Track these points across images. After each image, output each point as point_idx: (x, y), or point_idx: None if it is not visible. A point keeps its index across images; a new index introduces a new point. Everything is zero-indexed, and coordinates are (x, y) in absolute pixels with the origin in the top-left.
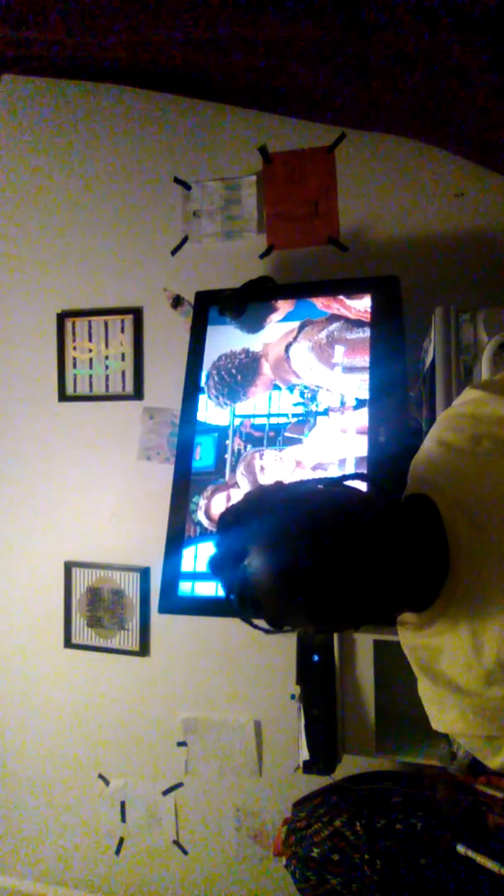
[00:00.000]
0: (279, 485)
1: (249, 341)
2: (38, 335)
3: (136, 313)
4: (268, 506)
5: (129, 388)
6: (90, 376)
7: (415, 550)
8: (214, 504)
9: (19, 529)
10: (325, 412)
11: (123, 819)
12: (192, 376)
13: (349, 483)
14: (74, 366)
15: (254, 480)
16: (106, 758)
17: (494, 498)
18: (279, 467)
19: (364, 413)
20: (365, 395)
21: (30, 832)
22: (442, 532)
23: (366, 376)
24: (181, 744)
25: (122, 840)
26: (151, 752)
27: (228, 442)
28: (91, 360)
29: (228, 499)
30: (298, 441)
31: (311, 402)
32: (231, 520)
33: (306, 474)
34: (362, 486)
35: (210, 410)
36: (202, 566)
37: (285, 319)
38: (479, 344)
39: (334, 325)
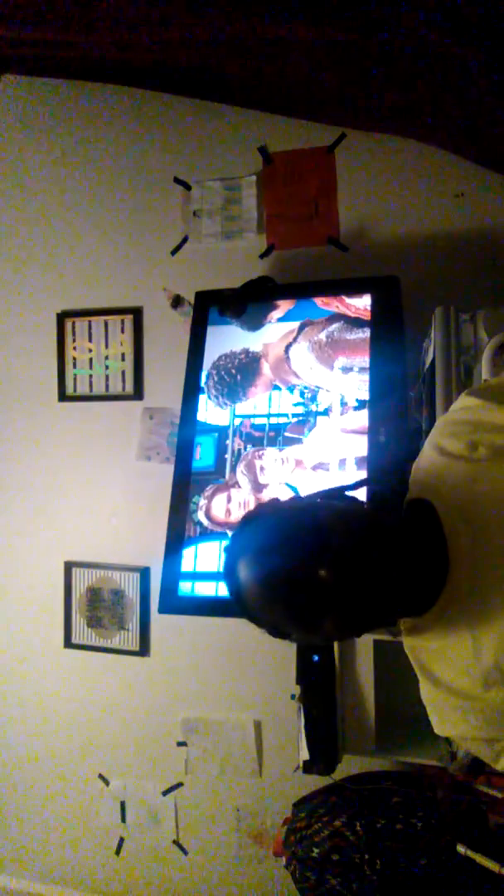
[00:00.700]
0: (278, 501)
1: (249, 341)
2: (38, 335)
3: (136, 313)
4: (263, 521)
5: (129, 388)
6: (90, 376)
7: (414, 559)
8: (214, 504)
9: (19, 529)
10: (326, 412)
11: (123, 819)
12: (192, 376)
13: (351, 493)
14: (74, 366)
15: (254, 480)
16: (106, 758)
17: (491, 503)
18: (279, 467)
19: (364, 413)
20: (365, 395)
21: (30, 832)
22: (441, 537)
23: (366, 376)
24: (181, 744)
25: (122, 840)
26: (151, 752)
27: (228, 442)
28: (91, 360)
29: (229, 499)
30: (298, 441)
31: (311, 402)
32: (234, 540)
33: (306, 474)
34: (362, 492)
35: (210, 410)
36: (202, 566)
37: (285, 317)
38: (479, 344)
39: (334, 326)
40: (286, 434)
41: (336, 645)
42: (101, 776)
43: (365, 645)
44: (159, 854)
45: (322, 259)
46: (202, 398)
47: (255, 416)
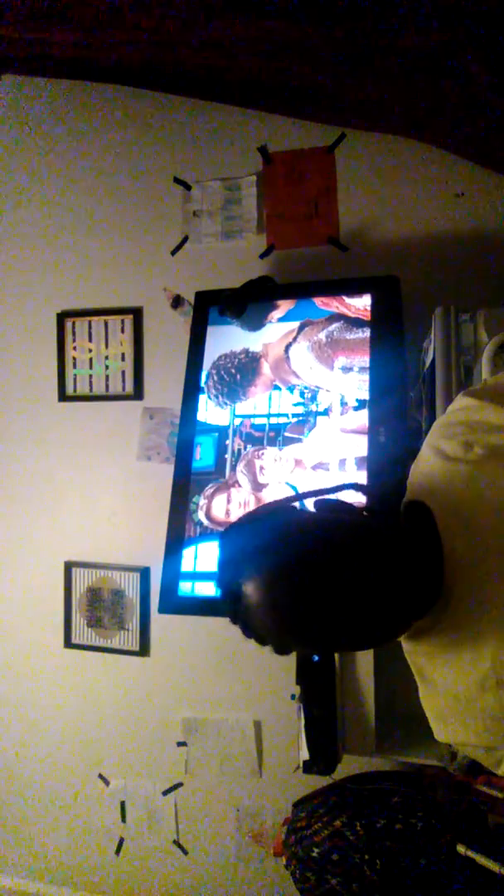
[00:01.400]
0: (271, 513)
1: (249, 341)
2: (38, 335)
3: (136, 313)
4: (260, 540)
5: (129, 388)
6: (90, 376)
7: (411, 563)
8: (214, 504)
9: (19, 529)
10: (325, 412)
11: (123, 819)
12: (192, 376)
13: (345, 495)
14: (74, 366)
15: (254, 479)
16: (106, 758)
17: (486, 505)
18: (279, 467)
19: (364, 413)
20: (365, 395)
21: (30, 832)
22: (438, 540)
23: (366, 376)
24: (181, 744)
25: (122, 840)
26: (151, 752)
27: (228, 442)
28: (91, 360)
29: (229, 498)
30: (298, 441)
31: (311, 402)
32: (226, 552)
33: (306, 474)
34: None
35: (210, 410)
36: (202, 566)
37: (285, 317)
38: (479, 344)
39: (334, 326)
40: (286, 434)
41: None
42: (101, 776)
43: None
44: (159, 854)
45: (322, 259)
46: (202, 398)
47: (255, 416)
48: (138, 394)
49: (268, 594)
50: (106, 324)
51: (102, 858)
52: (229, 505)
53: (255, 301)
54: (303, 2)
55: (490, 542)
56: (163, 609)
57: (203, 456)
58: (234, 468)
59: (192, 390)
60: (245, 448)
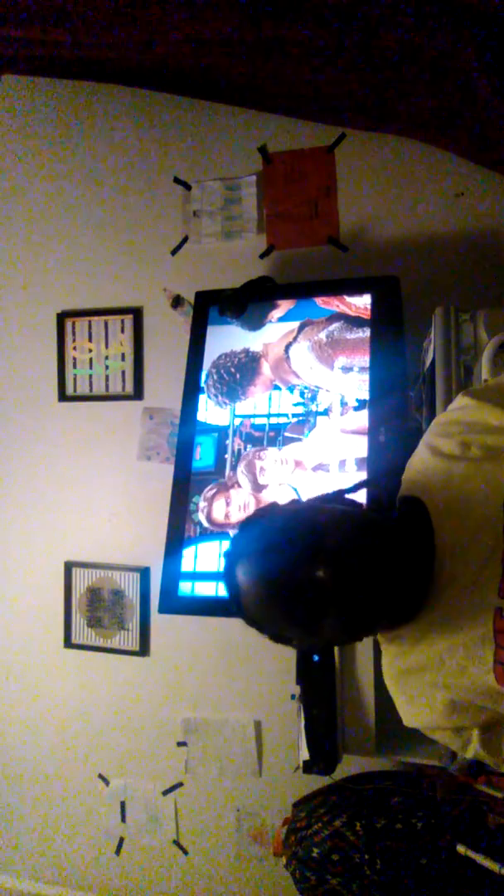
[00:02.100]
0: (276, 505)
1: (250, 341)
2: (38, 335)
3: (136, 313)
4: (260, 526)
5: (129, 388)
6: (90, 376)
7: (405, 557)
8: (214, 504)
9: (19, 529)
10: (326, 412)
11: (123, 819)
12: (192, 376)
13: (350, 495)
14: (74, 366)
15: (254, 480)
16: (106, 758)
17: (479, 503)
18: (279, 467)
19: (364, 413)
20: (365, 395)
21: (30, 832)
22: (431, 535)
23: (366, 376)
24: (181, 744)
25: (122, 840)
26: (151, 752)
27: (228, 442)
28: (91, 360)
29: (228, 499)
30: (298, 441)
31: (311, 402)
32: (232, 545)
33: (306, 475)
34: (361, 494)
35: (210, 410)
36: (202, 566)
37: (286, 317)
38: (479, 344)
39: (334, 325)
40: (286, 434)
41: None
42: (101, 776)
43: (365, 645)
44: (159, 854)
45: (322, 259)
46: (202, 398)
47: (255, 416)
48: (138, 394)
49: (254, 571)
50: (106, 324)
51: (102, 858)
52: (229, 507)
53: (255, 301)
54: (303, 2)
55: (479, 539)
56: (163, 609)
57: (203, 456)
58: (234, 468)
59: (192, 390)
60: (245, 448)
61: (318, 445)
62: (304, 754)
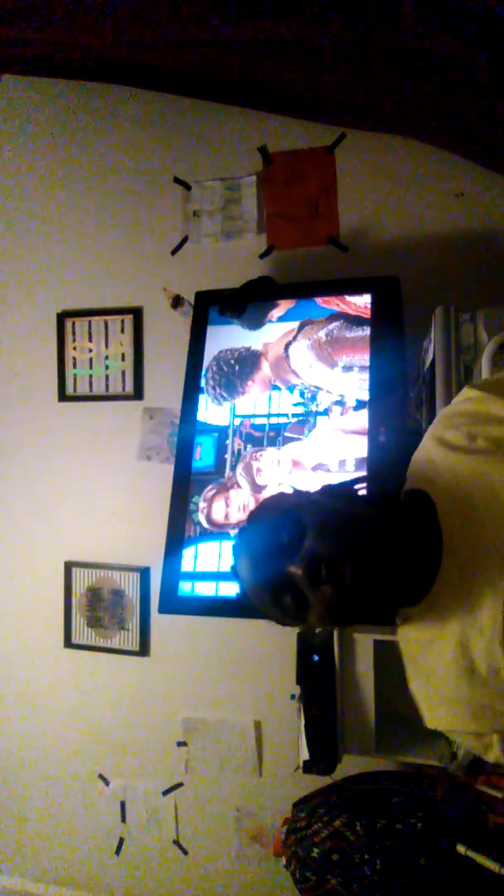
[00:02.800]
0: (282, 496)
1: (250, 340)
2: (38, 335)
3: (136, 313)
4: (262, 517)
5: (129, 388)
6: (90, 376)
7: (410, 548)
8: (215, 506)
9: (19, 529)
10: (326, 412)
11: (123, 819)
12: (191, 376)
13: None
14: (74, 366)
15: (252, 481)
16: (106, 758)
17: (486, 495)
18: (276, 468)
19: (364, 414)
20: (365, 395)
21: (30, 832)
22: (437, 527)
23: (365, 376)
24: (181, 744)
25: (122, 840)
26: (151, 752)
27: (228, 442)
28: (91, 360)
29: (228, 499)
30: (298, 441)
31: (311, 402)
32: (237, 536)
33: (306, 475)
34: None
35: (210, 410)
36: (202, 566)
37: (286, 316)
38: (479, 344)
39: (334, 324)
40: (286, 434)
41: (336, 645)
42: (101, 776)
43: (365, 645)
44: (159, 854)
45: (322, 259)
46: (202, 398)
47: (254, 415)
48: (138, 394)
49: (244, 567)
50: (106, 324)
51: (102, 858)
52: (228, 508)
53: (255, 301)
54: (303, 2)
55: (487, 532)
56: (163, 609)
57: (203, 456)
58: (233, 468)
59: (192, 390)
60: (245, 448)
61: (318, 445)
62: (304, 754)
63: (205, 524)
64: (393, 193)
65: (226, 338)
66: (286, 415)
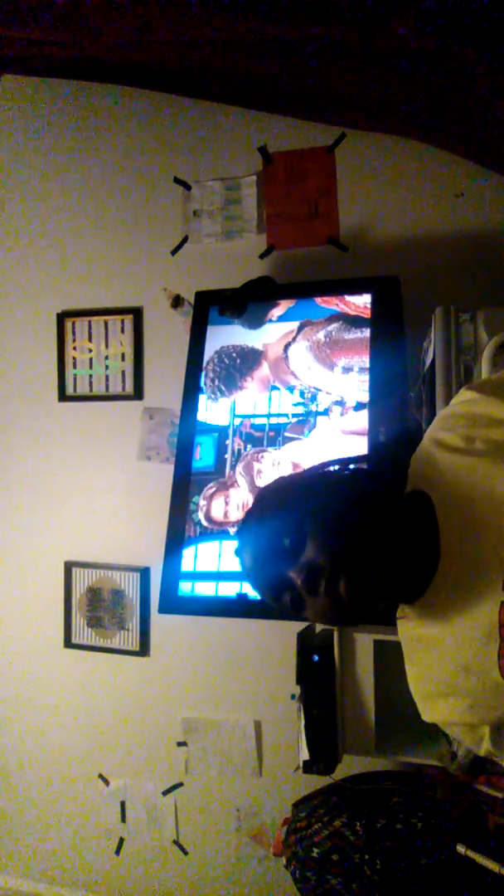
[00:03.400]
0: (282, 480)
1: (250, 340)
2: (38, 335)
3: (136, 313)
4: (263, 505)
5: (129, 388)
6: (90, 376)
7: (408, 548)
8: (214, 504)
9: (19, 529)
10: (326, 412)
11: (123, 819)
12: (191, 376)
13: (355, 468)
14: (74, 366)
15: (251, 481)
16: (106, 758)
17: (484, 497)
18: (276, 470)
19: (364, 414)
20: (364, 397)
21: (30, 832)
22: (436, 528)
23: (365, 378)
24: (181, 744)
25: (122, 840)
26: (151, 752)
27: (228, 442)
28: (91, 360)
29: (227, 497)
30: (298, 441)
31: (311, 402)
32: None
33: None
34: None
35: (210, 410)
36: (202, 566)
37: (285, 316)
38: (479, 344)
39: (333, 325)
40: (286, 434)
41: (336, 645)
42: (101, 776)
43: (365, 645)
44: (159, 854)
45: (322, 259)
46: (202, 398)
47: (255, 416)
48: (138, 394)
49: (247, 541)
50: (106, 324)
51: (102, 858)
52: (227, 506)
53: (255, 301)
54: (303, 2)
55: (483, 533)
56: (163, 609)
57: (203, 456)
58: (233, 468)
59: (192, 390)
60: (245, 448)
61: (318, 446)
62: (304, 754)
63: (204, 522)
64: (393, 193)
65: (226, 337)
66: (286, 415)
